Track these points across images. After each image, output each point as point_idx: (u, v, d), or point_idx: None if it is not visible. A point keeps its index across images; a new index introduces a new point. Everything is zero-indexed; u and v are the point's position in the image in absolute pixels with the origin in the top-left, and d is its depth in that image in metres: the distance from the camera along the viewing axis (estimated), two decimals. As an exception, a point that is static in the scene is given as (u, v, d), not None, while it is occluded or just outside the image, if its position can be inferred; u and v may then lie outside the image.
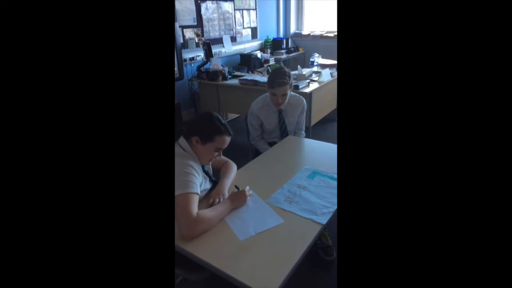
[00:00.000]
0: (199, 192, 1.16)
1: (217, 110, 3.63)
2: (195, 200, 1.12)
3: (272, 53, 4.84)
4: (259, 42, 4.96)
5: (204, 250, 1.02)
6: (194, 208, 1.09)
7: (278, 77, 1.74)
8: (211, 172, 1.41)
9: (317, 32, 5.18)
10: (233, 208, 1.20)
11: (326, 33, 5.08)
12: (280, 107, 1.88)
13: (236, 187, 1.29)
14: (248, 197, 1.25)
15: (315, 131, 3.31)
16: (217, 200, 1.23)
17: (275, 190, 1.34)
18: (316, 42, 5.11)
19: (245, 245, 1.04)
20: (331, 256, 1.75)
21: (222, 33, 4.25)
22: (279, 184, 1.39)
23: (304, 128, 2.07)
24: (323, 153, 1.71)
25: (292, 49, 5.09)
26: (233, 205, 1.20)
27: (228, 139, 1.26)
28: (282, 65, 1.86)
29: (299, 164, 1.58)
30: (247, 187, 1.28)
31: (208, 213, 1.12)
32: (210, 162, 1.32)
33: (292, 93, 1.89)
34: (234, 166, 1.46)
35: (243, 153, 2.25)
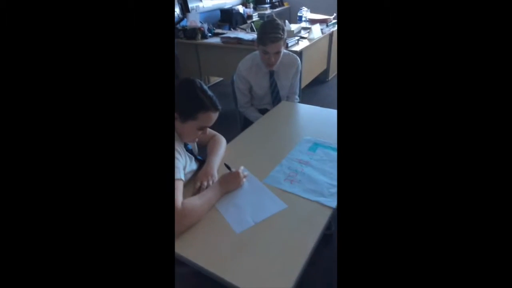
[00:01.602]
0: (183, 177, 0.95)
1: (197, 73, 3.30)
2: (180, 187, 0.91)
3: (255, 8, 4.44)
4: (240, -5, 4.49)
5: (192, 249, 0.83)
6: (179, 197, 0.89)
7: (271, 32, 1.46)
8: (196, 150, 1.18)
9: (303, -16, 4.73)
10: (225, 192, 1.00)
11: (313, -16, 4.64)
12: (273, 68, 1.62)
13: (227, 166, 1.08)
14: (244, 180, 1.05)
15: (305, 94, 3.08)
16: (205, 184, 1.02)
17: (272, 168, 1.14)
18: (302, -5, 4.68)
19: (243, 239, 0.86)
20: (330, 230, 1.66)
21: (199, -16, 3.77)
22: (276, 160, 1.19)
23: (298, 92, 1.84)
24: (322, 120, 1.50)
25: (277, 3, 4.68)
26: (225, 189, 1.00)
27: (214, 115, 1.02)
28: (274, 16, 1.56)
29: (298, 134, 1.38)
30: (241, 167, 1.08)
31: (196, 201, 0.92)
32: (195, 141, 1.09)
33: (285, 51, 1.62)
34: (223, 141, 1.24)
35: (230, 122, 2.02)
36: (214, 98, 1.01)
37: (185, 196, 0.93)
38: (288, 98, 1.81)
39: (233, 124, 2.02)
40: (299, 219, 0.92)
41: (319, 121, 1.51)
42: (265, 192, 1.01)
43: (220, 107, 1.02)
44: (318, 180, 1.07)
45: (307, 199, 0.99)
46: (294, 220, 0.92)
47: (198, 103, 0.97)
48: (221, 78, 3.78)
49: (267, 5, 4.52)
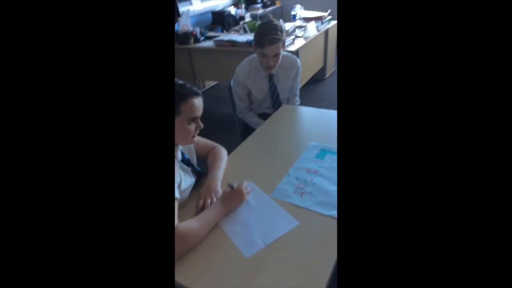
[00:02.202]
0: (178, 196, 0.87)
1: (191, 78, 3.22)
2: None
3: (247, 9, 4.36)
4: (231, -4, 4.41)
5: (195, 276, 0.75)
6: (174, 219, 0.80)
7: (268, 33, 1.38)
8: (195, 161, 1.10)
9: (295, -18, 4.66)
10: (228, 211, 0.92)
11: (305, -18, 4.57)
12: (271, 71, 1.54)
13: (230, 185, 0.97)
14: (248, 195, 0.96)
15: (303, 94, 2.99)
16: (209, 201, 0.94)
17: (279, 179, 1.06)
18: (294, -7, 4.61)
19: (253, 263, 0.78)
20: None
21: (188, -13, 3.68)
22: (282, 170, 1.11)
23: (298, 93, 1.76)
24: (327, 123, 1.43)
25: (268, 2, 4.60)
26: (228, 208, 0.92)
27: (198, 101, 0.92)
28: (271, 17, 1.47)
29: (303, 140, 1.30)
30: (245, 182, 0.99)
31: (192, 224, 0.83)
32: (193, 140, 0.98)
33: (284, 52, 1.54)
34: (223, 152, 1.15)
35: (229, 127, 1.93)
36: (188, 84, 0.92)
37: (188, 214, 0.85)
38: (288, 101, 1.73)
39: (232, 130, 1.94)
40: (314, 237, 0.84)
41: (324, 124, 1.43)
42: (274, 208, 0.93)
43: (199, 91, 0.93)
44: (329, 191, 0.99)
45: (320, 213, 0.91)
46: (308, 239, 0.83)
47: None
48: (216, 82, 3.70)
49: (259, 5, 4.44)
